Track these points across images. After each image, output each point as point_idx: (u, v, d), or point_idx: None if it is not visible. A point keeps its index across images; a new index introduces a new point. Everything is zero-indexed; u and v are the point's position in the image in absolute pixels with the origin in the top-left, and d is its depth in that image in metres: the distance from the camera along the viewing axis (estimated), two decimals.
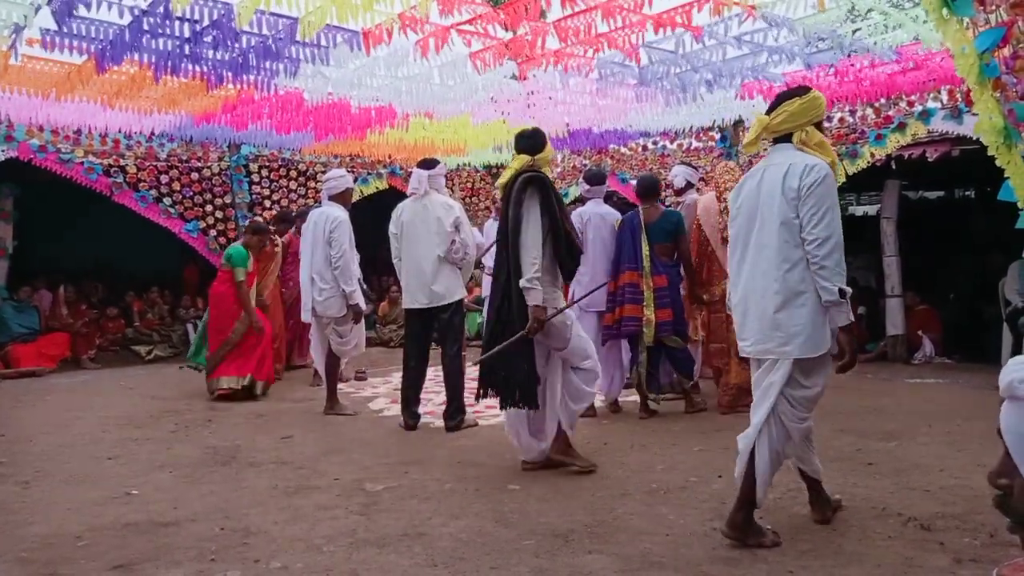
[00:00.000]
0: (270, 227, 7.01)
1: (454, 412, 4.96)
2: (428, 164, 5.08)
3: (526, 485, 3.70)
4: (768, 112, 3.01)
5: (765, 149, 3.19)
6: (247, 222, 6.61)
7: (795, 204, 2.80)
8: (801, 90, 2.98)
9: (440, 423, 5.12)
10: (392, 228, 5.10)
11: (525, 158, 3.87)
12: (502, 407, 3.88)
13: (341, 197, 5.60)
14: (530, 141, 3.90)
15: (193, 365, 6.74)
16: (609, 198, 8.62)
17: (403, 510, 3.36)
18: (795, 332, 2.81)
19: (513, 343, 3.68)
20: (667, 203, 7.05)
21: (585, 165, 9.55)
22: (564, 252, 3.78)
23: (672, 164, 7.66)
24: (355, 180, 9.37)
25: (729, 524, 2.90)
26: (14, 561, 2.86)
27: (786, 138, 2.95)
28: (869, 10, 4.48)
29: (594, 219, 5.24)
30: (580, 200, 5.74)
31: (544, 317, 3.67)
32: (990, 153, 2.66)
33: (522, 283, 3.63)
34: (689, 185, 5.88)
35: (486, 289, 7.99)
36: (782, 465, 2.98)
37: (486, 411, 5.54)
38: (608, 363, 5.30)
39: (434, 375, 5.52)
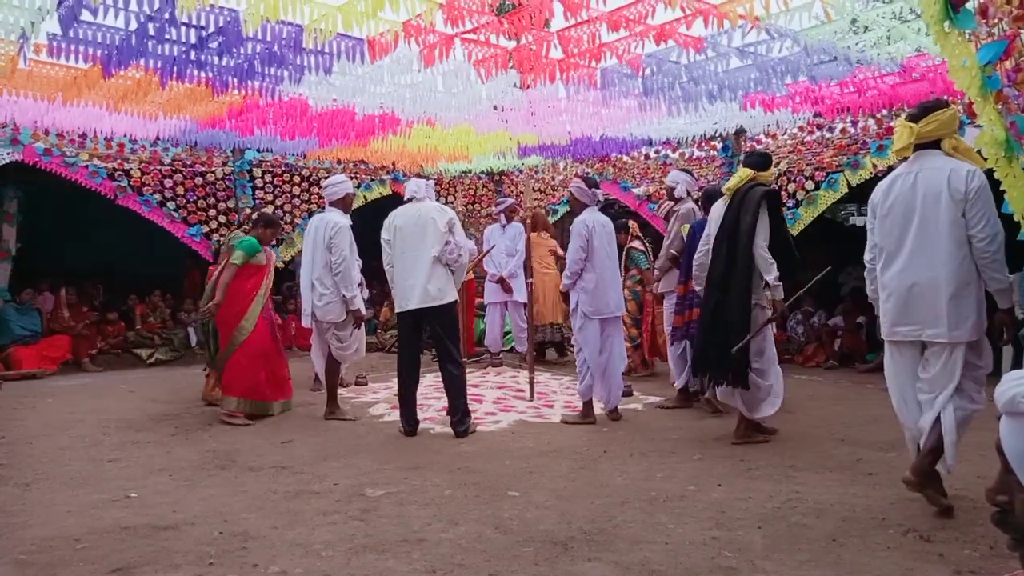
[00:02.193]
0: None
1: (462, 417, 4.96)
2: (424, 176, 5.16)
3: (525, 492, 3.70)
4: (913, 120, 3.33)
5: (906, 160, 3.48)
6: (256, 214, 6.01)
7: (962, 205, 3.16)
8: (945, 102, 3.37)
9: (440, 429, 5.12)
10: (385, 235, 5.06)
11: (749, 172, 4.49)
12: (716, 386, 4.54)
13: (342, 203, 5.63)
14: (760, 160, 4.58)
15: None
16: (610, 206, 8.64)
17: (402, 516, 3.36)
18: (966, 317, 3.20)
19: (758, 331, 4.41)
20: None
21: (587, 173, 9.56)
22: (783, 257, 4.47)
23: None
24: (358, 186, 9.43)
25: (914, 470, 3.17)
26: (13, 563, 2.86)
27: (929, 144, 3.31)
28: (867, 28, 4.49)
29: (598, 227, 5.27)
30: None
31: (783, 308, 4.51)
32: (988, 166, 2.67)
33: (771, 281, 4.38)
34: (687, 194, 6.00)
35: (489, 295, 8.01)
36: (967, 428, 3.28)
37: (486, 417, 5.55)
38: (604, 372, 5.30)
39: (433, 380, 5.52)
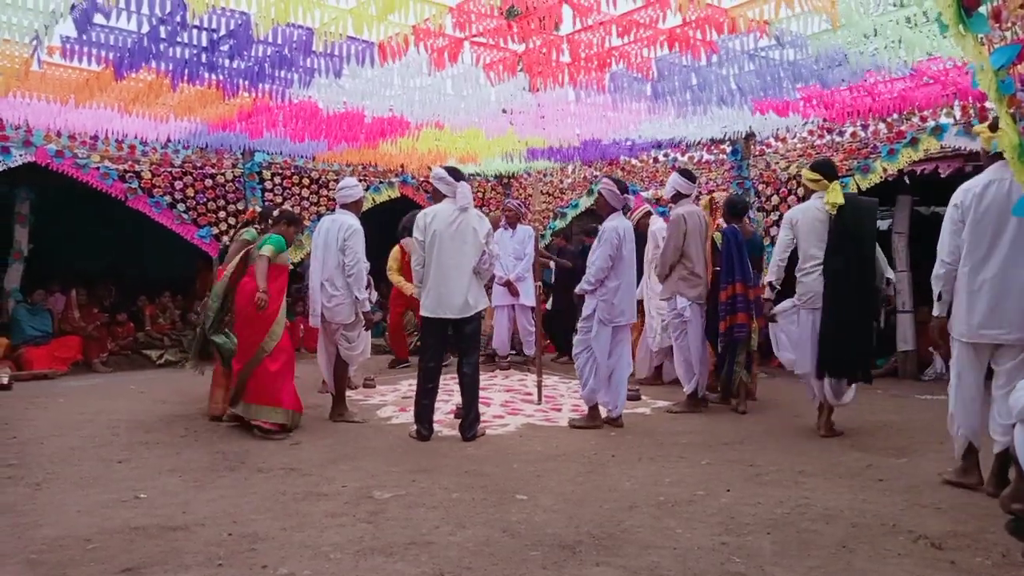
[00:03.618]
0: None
1: (472, 422, 4.97)
2: (462, 175, 5.08)
3: (533, 495, 3.69)
4: (993, 129, 3.46)
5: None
6: (276, 211, 5.69)
7: None
8: None
9: (448, 432, 5.12)
10: (419, 235, 4.98)
11: (837, 183, 4.84)
12: (850, 382, 4.87)
13: (355, 206, 5.64)
14: (836, 169, 5.01)
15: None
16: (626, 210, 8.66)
17: (410, 518, 3.36)
18: None
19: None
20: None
21: (595, 176, 9.56)
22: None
23: None
24: (367, 188, 9.46)
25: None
26: (24, 563, 2.88)
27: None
28: (876, 33, 4.48)
29: (628, 233, 5.26)
30: (589, 212, 5.74)
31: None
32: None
33: (894, 277, 4.97)
34: (680, 195, 5.93)
35: (497, 298, 8.01)
36: None
37: (494, 420, 5.55)
38: (611, 378, 5.28)
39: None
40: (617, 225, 5.24)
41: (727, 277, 5.71)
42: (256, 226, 5.88)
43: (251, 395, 5.10)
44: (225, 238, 8.45)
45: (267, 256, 5.12)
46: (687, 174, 6.03)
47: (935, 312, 3.84)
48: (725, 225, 5.92)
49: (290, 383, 5.22)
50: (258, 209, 6.15)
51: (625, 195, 5.39)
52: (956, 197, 3.66)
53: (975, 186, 3.59)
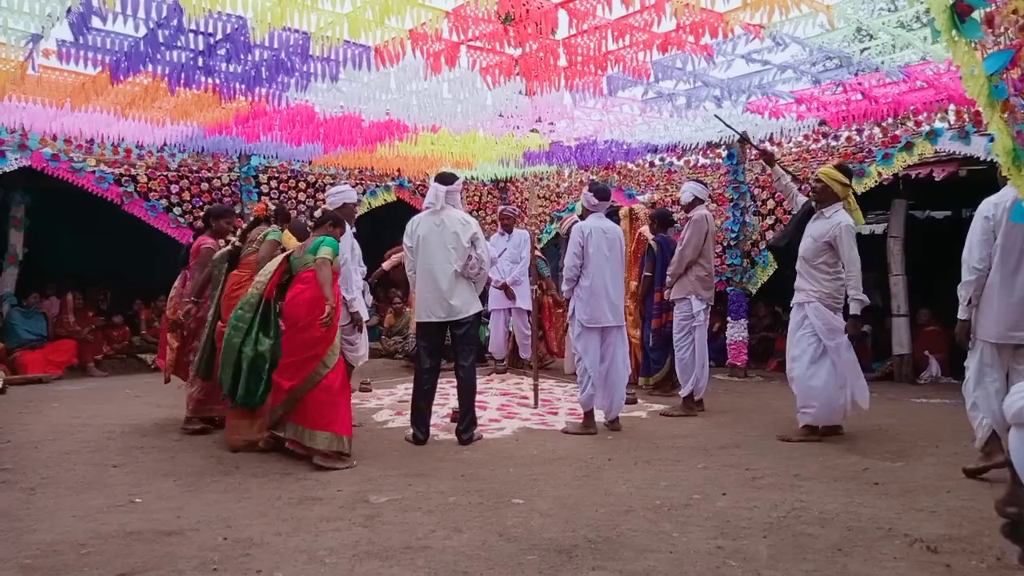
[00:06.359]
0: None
1: (468, 425, 4.97)
2: (446, 179, 5.04)
3: (529, 499, 3.69)
4: None
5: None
6: (319, 211, 5.08)
7: None
8: None
9: (444, 436, 5.12)
10: (407, 241, 5.05)
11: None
12: None
13: (342, 211, 5.60)
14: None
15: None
16: (615, 213, 8.73)
17: (406, 523, 3.35)
18: None
19: None
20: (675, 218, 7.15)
21: (591, 180, 9.57)
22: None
23: (681, 181, 7.82)
24: (363, 192, 9.46)
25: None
26: (17, 568, 2.87)
27: None
28: (870, 35, 4.51)
29: (595, 233, 5.24)
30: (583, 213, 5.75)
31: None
32: (1003, 174, 2.67)
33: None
34: (697, 200, 6.06)
35: (493, 302, 8.01)
36: None
37: (490, 424, 5.55)
38: (606, 382, 5.28)
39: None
40: (583, 224, 5.31)
41: (663, 280, 6.43)
42: (274, 225, 5.69)
43: (306, 418, 4.39)
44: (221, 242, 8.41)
45: (328, 259, 4.49)
46: (703, 183, 6.44)
47: (962, 316, 4.03)
48: (651, 235, 6.75)
49: (348, 403, 4.59)
50: (272, 206, 5.75)
51: (601, 199, 5.38)
52: (987, 210, 3.89)
53: (1004, 200, 3.81)
